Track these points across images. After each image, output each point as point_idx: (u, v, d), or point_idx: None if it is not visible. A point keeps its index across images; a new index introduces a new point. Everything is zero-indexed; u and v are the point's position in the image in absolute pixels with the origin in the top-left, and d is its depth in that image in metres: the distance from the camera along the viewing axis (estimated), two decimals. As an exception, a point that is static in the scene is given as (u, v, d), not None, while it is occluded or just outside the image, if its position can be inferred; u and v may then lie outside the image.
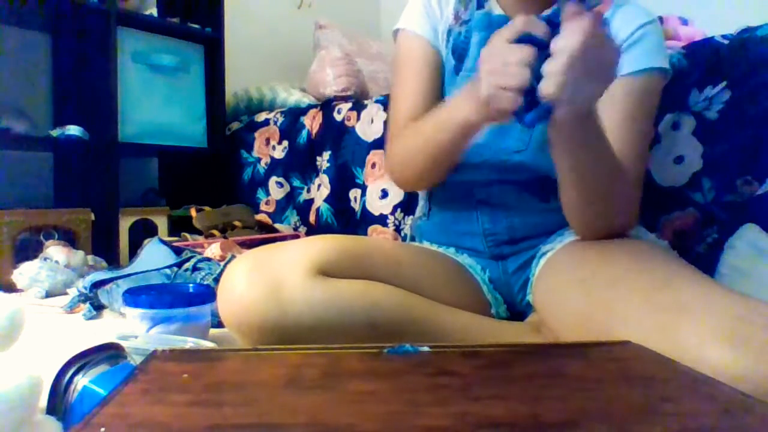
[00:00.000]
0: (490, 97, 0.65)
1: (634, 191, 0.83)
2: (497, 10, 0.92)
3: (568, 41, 0.59)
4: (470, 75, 0.89)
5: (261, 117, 2.20)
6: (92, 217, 1.69)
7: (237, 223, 1.95)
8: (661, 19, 1.49)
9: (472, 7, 0.94)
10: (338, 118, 1.91)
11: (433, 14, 0.95)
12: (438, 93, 0.94)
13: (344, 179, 1.86)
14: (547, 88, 0.60)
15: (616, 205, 0.80)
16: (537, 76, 0.62)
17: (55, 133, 1.74)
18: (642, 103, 0.84)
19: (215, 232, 1.88)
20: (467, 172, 0.91)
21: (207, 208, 2.00)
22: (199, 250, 1.44)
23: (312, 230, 1.97)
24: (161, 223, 1.92)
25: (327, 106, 2.00)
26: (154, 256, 1.29)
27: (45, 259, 1.47)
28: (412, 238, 1.08)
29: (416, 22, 0.95)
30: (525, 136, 0.87)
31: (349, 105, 1.92)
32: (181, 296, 0.98)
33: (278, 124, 2.13)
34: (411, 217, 1.66)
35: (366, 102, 1.90)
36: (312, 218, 1.97)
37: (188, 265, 1.25)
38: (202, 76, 2.10)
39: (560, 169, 0.76)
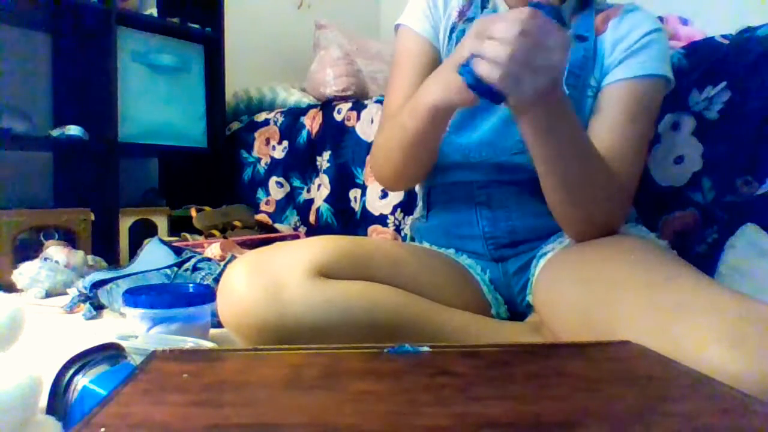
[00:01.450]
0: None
1: (623, 192, 0.83)
2: (503, 7, 0.93)
3: (507, 30, 0.61)
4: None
5: (261, 117, 2.20)
6: (92, 217, 1.69)
7: (237, 223, 1.95)
8: (661, 19, 1.49)
9: (476, 4, 0.94)
10: (338, 118, 1.92)
11: (436, 12, 0.95)
12: None
13: (344, 179, 1.86)
14: (487, 73, 0.62)
15: (595, 195, 0.79)
16: None
17: (55, 133, 1.74)
18: (643, 106, 0.84)
19: (215, 232, 1.88)
20: (467, 172, 0.91)
21: (207, 208, 2.00)
22: (199, 250, 1.44)
23: (312, 230, 1.97)
24: (161, 223, 1.92)
25: (327, 106, 2.00)
26: (154, 256, 1.29)
27: (45, 259, 1.46)
28: (412, 239, 1.08)
29: (417, 19, 0.95)
30: None
31: (349, 105, 1.92)
32: (181, 296, 0.98)
33: (278, 124, 2.13)
34: (411, 217, 1.66)
35: (366, 102, 1.90)
36: (312, 218, 1.97)
37: (188, 265, 1.25)
38: (202, 76, 2.10)
39: (534, 159, 0.77)
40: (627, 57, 0.85)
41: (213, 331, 0.99)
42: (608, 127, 0.83)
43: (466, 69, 0.65)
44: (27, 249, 1.54)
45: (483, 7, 0.94)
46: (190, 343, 0.81)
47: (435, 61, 0.94)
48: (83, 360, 0.58)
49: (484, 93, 0.65)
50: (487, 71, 0.62)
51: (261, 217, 2.08)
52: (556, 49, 0.62)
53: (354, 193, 1.84)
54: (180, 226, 1.96)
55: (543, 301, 0.84)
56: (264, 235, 1.87)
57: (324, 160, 1.94)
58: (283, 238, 1.81)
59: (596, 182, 0.78)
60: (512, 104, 0.67)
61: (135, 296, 0.93)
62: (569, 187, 0.78)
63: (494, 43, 0.61)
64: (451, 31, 0.94)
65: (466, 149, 0.90)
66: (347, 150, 1.86)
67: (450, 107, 0.76)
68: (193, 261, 1.27)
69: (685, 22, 1.57)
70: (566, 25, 0.65)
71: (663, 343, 0.55)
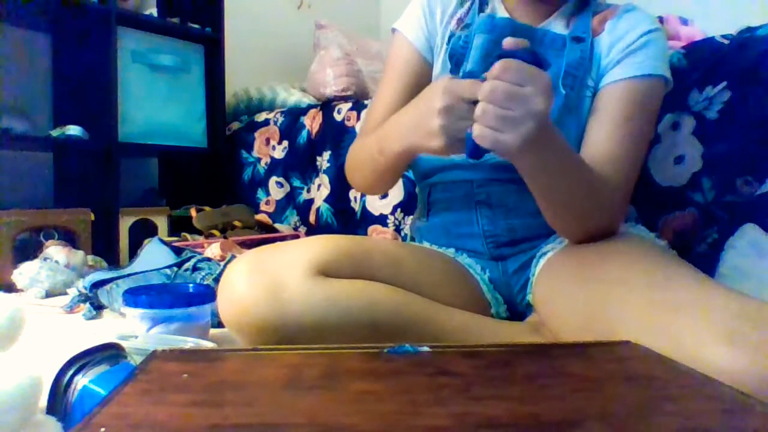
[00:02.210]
0: (448, 144, 0.68)
1: (619, 194, 0.83)
2: (501, 13, 0.93)
3: (487, 86, 0.62)
4: (470, 77, 0.89)
5: (261, 117, 2.20)
6: (92, 217, 1.69)
7: (237, 223, 1.95)
8: (661, 19, 1.49)
9: (473, 9, 0.94)
10: (338, 118, 1.91)
11: (431, 20, 0.95)
12: None
13: (344, 179, 1.84)
14: (475, 132, 0.63)
15: (593, 212, 0.80)
16: None
17: (55, 133, 1.74)
18: (641, 106, 0.84)
19: (215, 232, 1.88)
20: (466, 171, 0.91)
21: (207, 208, 2.00)
22: (199, 250, 1.44)
23: (312, 230, 1.97)
24: (161, 223, 1.92)
25: (327, 106, 2.00)
26: (154, 256, 1.29)
27: (45, 259, 1.46)
28: (412, 239, 1.08)
29: (411, 27, 0.96)
30: None
31: (349, 105, 1.92)
32: (181, 296, 0.98)
33: (278, 124, 2.12)
34: (411, 217, 1.66)
35: (366, 102, 1.90)
36: (312, 218, 1.97)
37: (188, 265, 1.25)
38: (202, 76, 2.10)
39: (529, 187, 0.77)
40: (625, 57, 0.85)
41: (213, 331, 0.99)
42: (606, 128, 0.83)
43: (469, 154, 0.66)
44: (27, 249, 1.54)
45: (481, 10, 0.94)
46: (190, 343, 0.81)
47: (424, 73, 0.95)
48: (83, 360, 0.58)
49: (472, 152, 0.66)
50: (476, 133, 0.63)
51: (261, 217, 2.08)
52: (535, 95, 0.61)
53: (354, 193, 1.84)
54: (180, 226, 1.96)
55: (543, 301, 0.84)
56: (264, 235, 1.87)
57: (324, 160, 1.94)
58: (283, 238, 1.81)
59: (590, 198, 0.78)
60: (500, 156, 0.67)
61: (135, 296, 0.93)
62: (563, 207, 0.79)
63: (479, 105, 0.62)
64: (449, 38, 0.94)
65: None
66: (347, 150, 1.86)
67: (419, 152, 0.78)
68: (193, 261, 1.27)
69: (685, 22, 1.57)
70: (544, 63, 0.63)
71: (663, 342, 0.55)
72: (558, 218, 0.81)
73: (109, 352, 0.60)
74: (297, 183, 2.06)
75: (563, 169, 0.74)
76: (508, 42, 0.64)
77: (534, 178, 0.75)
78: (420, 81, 0.94)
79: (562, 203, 0.78)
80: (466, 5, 0.95)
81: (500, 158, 0.71)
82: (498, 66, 0.62)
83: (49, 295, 1.40)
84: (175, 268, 1.24)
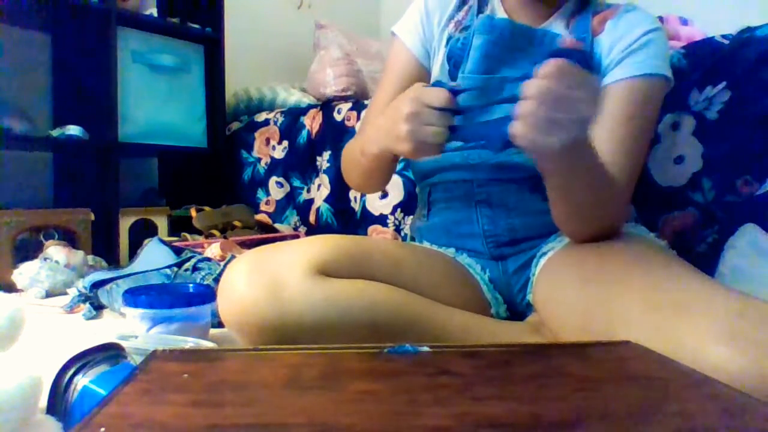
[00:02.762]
0: (414, 148, 0.68)
1: (623, 195, 0.84)
2: (501, 14, 0.93)
3: (537, 86, 0.59)
4: (469, 78, 0.89)
5: (261, 117, 2.20)
6: (92, 217, 1.69)
7: (237, 223, 1.95)
8: (661, 19, 1.49)
9: (472, 12, 0.94)
10: (338, 118, 1.91)
11: (429, 25, 0.95)
12: None
13: (344, 179, 1.86)
14: (516, 130, 0.61)
15: (604, 214, 0.81)
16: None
17: (55, 133, 1.74)
18: (642, 105, 0.84)
19: (215, 232, 1.88)
20: (466, 171, 0.91)
21: (207, 208, 2.00)
22: (199, 250, 1.44)
23: (312, 230, 1.97)
24: (161, 223, 1.92)
25: (327, 106, 2.00)
26: (154, 256, 1.29)
27: (45, 259, 1.46)
28: (412, 239, 1.08)
29: (408, 32, 0.96)
30: None
31: (349, 105, 1.92)
32: (181, 296, 0.98)
33: (278, 124, 2.12)
34: (411, 217, 1.66)
35: (366, 102, 1.90)
36: (312, 218, 1.97)
37: (188, 265, 1.25)
38: (202, 76, 2.10)
39: (547, 186, 0.77)
40: (625, 57, 0.85)
41: (213, 331, 0.99)
42: (608, 127, 0.83)
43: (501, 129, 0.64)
44: (27, 249, 1.54)
45: (480, 12, 0.93)
46: (190, 343, 0.81)
47: (420, 78, 0.96)
48: (83, 360, 0.58)
49: (498, 145, 0.65)
50: (516, 130, 0.61)
51: (261, 217, 2.08)
52: (584, 102, 0.60)
53: (354, 193, 1.84)
54: (180, 226, 1.96)
55: (543, 301, 0.84)
56: (264, 235, 1.87)
57: (324, 160, 1.94)
58: (283, 238, 1.81)
59: (604, 202, 0.79)
60: (530, 155, 0.67)
61: (135, 296, 0.93)
62: (578, 210, 0.79)
63: (525, 102, 0.60)
64: (448, 40, 0.94)
65: (465, 151, 0.90)
66: (347, 150, 1.86)
67: (393, 154, 0.79)
68: (193, 261, 1.27)
69: (685, 22, 1.57)
70: (593, 68, 0.62)
71: (663, 342, 0.55)
72: (570, 219, 0.81)
73: (109, 352, 0.60)
74: (297, 183, 2.06)
75: (587, 174, 0.74)
76: (566, 41, 0.63)
77: (557, 180, 0.75)
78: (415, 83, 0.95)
79: (577, 205, 0.78)
80: (465, 8, 0.95)
81: (523, 158, 0.71)
82: (552, 66, 0.60)
83: (49, 295, 1.40)
84: (175, 268, 1.24)
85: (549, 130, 0.60)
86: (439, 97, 0.67)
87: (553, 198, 0.79)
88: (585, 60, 0.62)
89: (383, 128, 0.75)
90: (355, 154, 0.91)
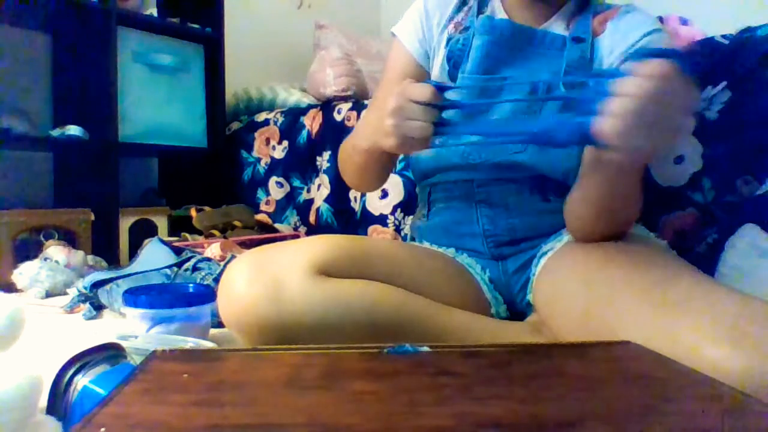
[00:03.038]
0: (398, 143, 0.70)
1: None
2: (501, 14, 0.93)
3: (639, 85, 0.56)
4: (470, 78, 0.89)
5: (261, 117, 2.20)
6: (92, 217, 1.69)
7: (237, 223, 1.95)
8: (661, 19, 1.49)
9: (471, 13, 0.94)
10: (338, 118, 1.91)
11: (429, 26, 0.95)
12: None
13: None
14: (604, 127, 0.57)
15: (628, 217, 0.82)
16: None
17: (55, 133, 1.74)
18: None
19: (215, 232, 1.88)
20: (466, 171, 0.91)
21: (207, 208, 2.00)
22: (199, 250, 1.44)
23: (312, 230, 1.97)
24: (161, 223, 1.92)
25: (327, 106, 2.00)
26: (154, 256, 1.29)
27: (45, 259, 1.46)
28: (412, 239, 1.08)
29: (407, 33, 0.96)
30: None
31: (349, 105, 1.92)
32: (181, 296, 0.98)
33: (278, 124, 2.12)
34: (411, 217, 1.66)
35: (366, 102, 1.90)
36: (312, 218, 1.97)
37: (188, 265, 1.25)
38: (202, 76, 2.10)
39: (587, 182, 0.77)
40: (628, 58, 0.85)
41: (213, 331, 0.99)
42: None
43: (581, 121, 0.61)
44: (27, 249, 1.53)
45: (479, 12, 0.93)
46: (190, 343, 0.81)
47: (419, 79, 0.95)
48: (83, 360, 0.58)
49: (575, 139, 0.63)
50: (608, 128, 0.57)
51: (261, 217, 2.08)
52: (686, 113, 0.57)
53: (354, 193, 1.84)
54: (180, 226, 1.96)
55: (543, 301, 0.84)
56: (264, 235, 1.87)
57: (324, 160, 1.94)
58: (283, 238, 1.81)
59: (632, 208, 0.80)
60: (616, 159, 0.63)
61: (135, 296, 0.93)
62: (609, 213, 0.79)
63: (622, 99, 0.56)
64: (448, 41, 0.94)
65: (466, 152, 0.90)
66: (347, 150, 1.86)
67: (381, 149, 0.78)
68: (193, 261, 1.27)
69: (685, 22, 1.57)
70: (693, 73, 0.58)
71: (663, 342, 0.55)
72: (597, 219, 0.80)
73: (109, 352, 0.60)
74: (297, 183, 2.06)
75: (636, 178, 0.75)
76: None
77: (607, 179, 0.74)
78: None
79: (611, 206, 0.78)
80: (465, 9, 0.95)
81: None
82: (656, 67, 0.56)
83: (49, 295, 1.40)
84: (175, 268, 1.24)
85: (645, 133, 0.56)
86: (422, 92, 0.68)
87: (590, 195, 0.78)
88: (689, 67, 0.57)
89: (371, 124, 0.76)
90: (347, 153, 0.92)
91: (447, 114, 0.74)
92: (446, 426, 0.35)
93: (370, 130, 0.76)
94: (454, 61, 0.91)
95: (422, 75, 0.96)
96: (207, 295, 0.96)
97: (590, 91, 0.63)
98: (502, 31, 0.88)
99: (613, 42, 0.87)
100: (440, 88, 0.70)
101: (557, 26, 0.90)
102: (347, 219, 1.86)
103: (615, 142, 0.58)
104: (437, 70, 0.95)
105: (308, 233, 1.98)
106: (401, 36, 0.97)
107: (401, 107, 0.68)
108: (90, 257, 1.59)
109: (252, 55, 2.51)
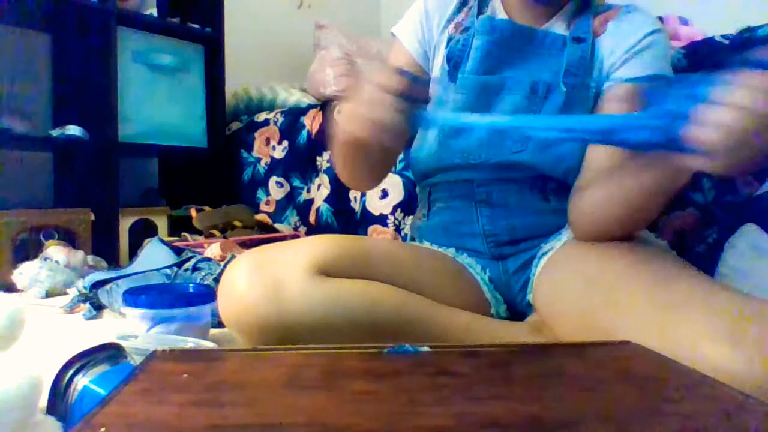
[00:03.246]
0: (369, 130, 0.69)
1: None
2: (501, 15, 0.93)
3: (746, 96, 0.54)
4: (470, 78, 0.89)
5: (261, 117, 2.20)
6: (92, 217, 1.69)
7: (237, 223, 1.95)
8: (661, 19, 1.49)
9: (472, 13, 0.94)
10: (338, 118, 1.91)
11: (429, 26, 0.95)
12: None
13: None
14: (705, 136, 0.55)
15: (644, 221, 0.82)
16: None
17: (55, 133, 1.74)
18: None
19: (215, 232, 1.88)
20: (466, 171, 0.91)
21: (207, 208, 2.00)
22: (199, 250, 1.44)
23: (312, 230, 1.97)
24: (161, 223, 1.92)
25: (327, 106, 2.00)
26: (154, 256, 1.29)
27: (45, 259, 1.46)
28: (412, 239, 1.08)
29: (408, 33, 0.96)
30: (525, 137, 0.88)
31: (349, 105, 1.92)
32: (181, 296, 0.98)
33: (278, 124, 2.12)
34: (411, 217, 1.66)
35: (366, 102, 1.89)
36: (312, 218, 1.97)
37: (188, 265, 1.25)
38: (202, 76, 2.10)
39: (623, 182, 0.75)
40: (630, 58, 0.85)
41: (213, 331, 0.99)
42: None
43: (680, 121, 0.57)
44: (27, 249, 1.54)
45: (479, 13, 0.93)
46: (190, 343, 0.81)
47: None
48: (83, 360, 0.58)
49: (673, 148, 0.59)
50: (708, 135, 0.55)
51: (261, 217, 2.08)
52: None
53: (354, 193, 1.84)
54: (180, 226, 1.96)
55: (543, 301, 0.84)
56: (264, 235, 1.87)
57: (324, 160, 1.94)
58: (283, 238, 1.81)
59: (651, 217, 0.80)
60: (704, 168, 0.59)
61: (135, 296, 0.93)
62: (630, 215, 0.78)
63: (727, 108, 0.54)
64: (448, 42, 0.94)
65: (466, 152, 0.90)
66: (347, 150, 1.86)
67: (358, 140, 0.77)
68: (193, 261, 1.27)
69: (685, 22, 1.57)
70: None
71: (663, 342, 0.55)
72: (616, 221, 0.79)
73: (109, 352, 0.60)
74: (297, 183, 2.06)
75: (678, 190, 0.74)
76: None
77: (653, 182, 0.72)
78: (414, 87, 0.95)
79: (637, 209, 0.77)
80: (465, 9, 0.95)
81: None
82: (762, 80, 0.54)
83: (49, 295, 1.40)
84: (175, 268, 1.24)
85: (746, 146, 0.54)
86: (388, 77, 0.68)
87: (619, 196, 0.76)
88: None
89: (346, 113, 0.75)
90: (337, 149, 0.91)
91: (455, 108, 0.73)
92: (446, 426, 0.35)
93: (347, 120, 0.76)
94: (454, 62, 0.91)
95: (421, 75, 0.96)
96: (207, 295, 0.96)
97: (675, 95, 0.59)
98: (502, 31, 0.88)
99: (613, 42, 0.87)
100: (415, 80, 0.70)
101: (558, 26, 0.90)
102: (347, 219, 1.86)
103: (714, 150, 0.55)
104: (437, 70, 0.95)
105: (308, 233, 1.97)
106: (401, 36, 0.97)
107: (372, 94, 0.68)
108: (90, 257, 1.59)
109: (252, 55, 2.51)
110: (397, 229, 1.70)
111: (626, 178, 0.74)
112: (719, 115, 0.54)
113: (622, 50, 0.86)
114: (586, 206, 0.81)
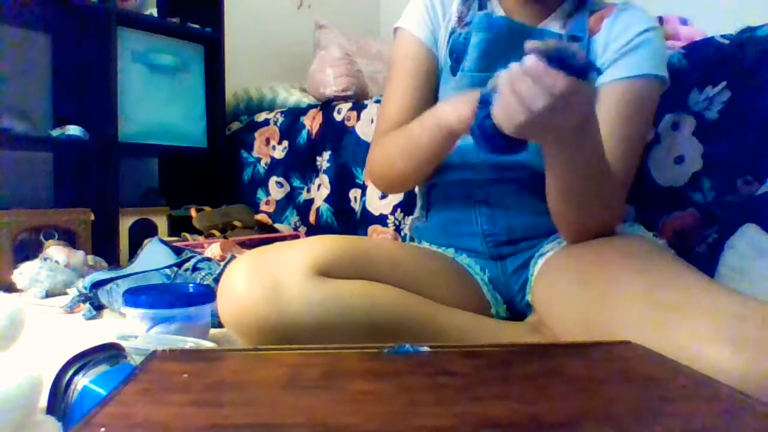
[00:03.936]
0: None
1: (620, 193, 0.84)
2: (499, 12, 0.93)
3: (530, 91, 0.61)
4: (468, 75, 0.89)
5: (261, 117, 2.20)
6: (92, 217, 1.69)
7: (237, 223, 1.95)
8: (661, 19, 1.49)
9: (474, 8, 0.94)
10: (338, 118, 1.91)
11: (435, 17, 0.95)
12: (429, 97, 0.94)
13: (344, 179, 1.86)
14: (497, 118, 0.65)
15: (602, 208, 0.81)
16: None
17: (55, 133, 1.74)
18: (638, 106, 0.84)
19: (215, 232, 1.88)
20: (465, 171, 0.91)
21: (207, 208, 2.00)
22: (199, 250, 1.44)
23: (312, 230, 1.97)
24: (161, 223, 1.92)
25: (327, 106, 2.00)
26: (154, 256, 1.29)
27: (45, 259, 1.46)
28: (411, 239, 1.08)
29: (415, 23, 0.95)
30: None
31: (349, 105, 1.92)
32: (181, 296, 0.98)
33: (278, 124, 2.13)
34: (411, 217, 1.66)
35: (366, 102, 1.90)
36: (312, 218, 1.97)
37: (188, 265, 1.25)
38: (202, 76, 2.10)
39: (548, 175, 0.77)
40: (621, 57, 0.85)
41: (213, 331, 0.99)
42: (605, 128, 0.83)
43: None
44: (27, 249, 1.54)
45: (480, 9, 0.94)
46: (190, 343, 0.81)
47: (433, 68, 0.95)
48: (83, 360, 0.58)
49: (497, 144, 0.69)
50: (502, 121, 0.64)
51: (261, 217, 2.08)
52: (573, 106, 0.62)
53: (354, 193, 1.84)
54: (180, 226, 1.96)
55: (543, 301, 0.84)
56: (264, 235, 1.87)
57: (324, 160, 1.94)
58: (283, 238, 1.81)
59: (601, 196, 0.79)
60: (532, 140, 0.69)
61: (135, 296, 0.93)
62: (575, 199, 0.78)
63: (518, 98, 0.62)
64: (450, 35, 0.94)
65: (465, 151, 0.90)
66: (347, 150, 1.86)
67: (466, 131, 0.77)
68: (193, 261, 1.27)
69: (685, 22, 1.57)
70: (593, 67, 0.63)
71: (663, 343, 0.55)
72: (567, 211, 0.81)
73: (109, 352, 0.60)
74: (297, 183, 2.06)
75: (591, 160, 0.75)
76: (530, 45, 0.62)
77: (561, 164, 0.75)
78: (430, 74, 0.94)
79: (577, 196, 0.78)
80: (467, 3, 0.95)
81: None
82: (566, 82, 0.60)
83: (49, 295, 1.40)
84: (175, 268, 1.24)
85: (515, 111, 0.62)
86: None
87: (552, 184, 0.78)
88: (585, 66, 0.61)
89: (462, 106, 0.76)
90: (402, 141, 0.88)
91: None
92: (446, 426, 0.35)
93: (454, 111, 0.77)
94: (456, 56, 0.91)
95: (434, 61, 0.95)
96: (207, 295, 0.96)
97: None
98: (499, 28, 0.88)
99: (608, 39, 0.87)
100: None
101: (554, 25, 0.90)
102: (347, 219, 1.86)
103: (498, 122, 0.65)
104: (441, 63, 0.95)
105: (308, 233, 1.98)
106: (409, 26, 0.96)
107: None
108: (90, 257, 1.59)
109: (252, 55, 2.51)
110: (397, 229, 1.70)
111: (552, 166, 0.76)
112: (502, 101, 0.63)
113: (613, 49, 0.86)
114: (549, 205, 0.82)
